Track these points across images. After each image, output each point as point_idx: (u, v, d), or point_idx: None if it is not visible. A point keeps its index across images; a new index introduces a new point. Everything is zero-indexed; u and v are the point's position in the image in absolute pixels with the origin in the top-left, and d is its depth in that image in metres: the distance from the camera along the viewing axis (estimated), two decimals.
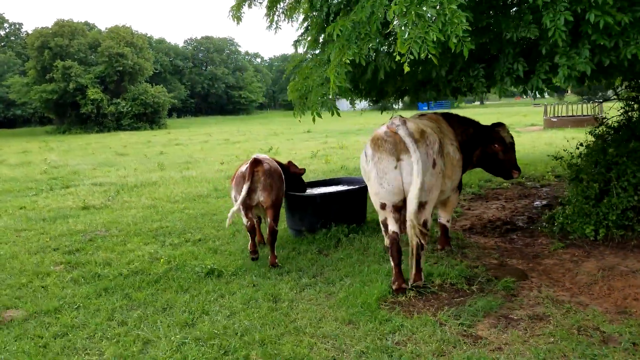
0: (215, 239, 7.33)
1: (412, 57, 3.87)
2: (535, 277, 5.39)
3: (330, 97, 5.21)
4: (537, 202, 8.86)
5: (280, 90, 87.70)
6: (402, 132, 4.70)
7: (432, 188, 4.93)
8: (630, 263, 5.62)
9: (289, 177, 6.95)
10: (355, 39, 4.64)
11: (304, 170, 7.24)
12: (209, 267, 5.86)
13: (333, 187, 8.09)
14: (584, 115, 25.96)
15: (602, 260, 5.73)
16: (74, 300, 5.28)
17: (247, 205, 6.08)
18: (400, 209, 4.97)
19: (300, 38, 8.33)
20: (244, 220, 6.24)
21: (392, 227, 4.97)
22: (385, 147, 4.82)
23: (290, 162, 7.23)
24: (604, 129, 7.68)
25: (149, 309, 5.02)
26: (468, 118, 6.24)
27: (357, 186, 7.60)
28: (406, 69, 3.93)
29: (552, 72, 4.73)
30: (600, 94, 44.74)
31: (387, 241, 5.04)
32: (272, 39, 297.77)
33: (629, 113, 8.09)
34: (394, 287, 5.03)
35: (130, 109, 49.17)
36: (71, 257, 6.75)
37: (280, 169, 6.47)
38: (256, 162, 6.03)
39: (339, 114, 5.39)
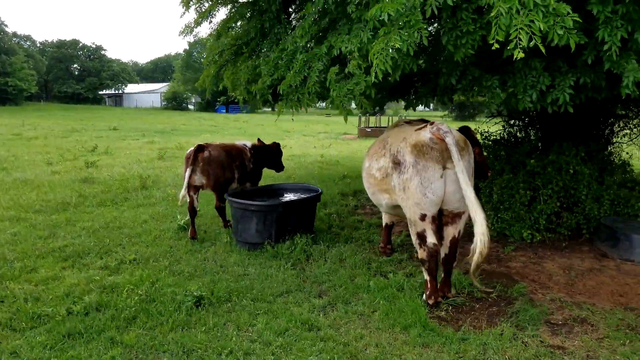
0: (156, 257, 6.09)
1: (522, 45, 3.69)
2: (520, 280, 5.66)
3: (362, 90, 4.71)
4: None
5: (55, 80, 77.92)
6: (449, 139, 4.51)
7: None
8: (579, 263, 6.30)
9: (273, 155, 7.94)
10: (401, 25, 4.26)
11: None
12: (193, 294, 4.82)
13: (273, 195, 7.44)
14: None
15: (555, 262, 6.30)
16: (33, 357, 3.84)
17: (190, 184, 6.89)
18: (436, 219, 4.76)
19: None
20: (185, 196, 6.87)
21: (432, 239, 4.73)
22: (431, 155, 4.56)
23: (273, 142, 8.10)
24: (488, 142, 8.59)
25: (165, 356, 3.91)
26: None
27: (312, 194, 7.12)
28: (520, 55, 3.70)
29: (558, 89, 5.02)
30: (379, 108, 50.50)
31: (423, 254, 4.77)
32: (47, 21, 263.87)
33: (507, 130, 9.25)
34: (430, 301, 4.80)
35: None
36: None
37: (223, 154, 7.04)
38: (199, 148, 6.90)
39: (368, 109, 4.90)
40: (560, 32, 3.71)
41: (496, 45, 3.81)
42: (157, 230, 7.15)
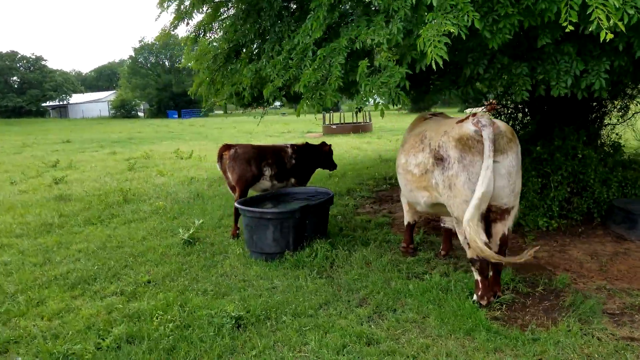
0: (171, 276, 5.63)
1: (605, 25, 3.49)
2: (553, 270, 5.53)
3: (397, 82, 4.41)
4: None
5: None
6: (486, 133, 4.26)
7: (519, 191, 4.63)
8: (602, 247, 6.24)
9: (324, 155, 8.06)
10: (448, 10, 4.02)
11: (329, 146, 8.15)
12: (231, 314, 4.43)
13: (280, 200, 7.07)
14: (358, 123, 28.63)
15: (578, 248, 6.23)
16: None
17: (228, 183, 7.39)
18: (484, 216, 4.54)
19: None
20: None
21: (483, 236, 4.49)
22: (478, 148, 4.33)
23: (322, 142, 8.19)
24: None
25: None
26: None
27: (324, 196, 6.79)
28: (609, 36, 3.50)
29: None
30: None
31: (473, 253, 4.53)
32: None
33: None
34: (482, 302, 4.57)
35: None
36: None
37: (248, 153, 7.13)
38: (225, 147, 7.18)
39: (406, 102, 4.58)
40: (631, 11, 3.54)
41: (570, 27, 3.61)
42: (161, 247, 6.66)
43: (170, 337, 4.17)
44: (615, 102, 9.15)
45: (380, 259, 5.94)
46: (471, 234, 4.22)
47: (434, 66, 3.94)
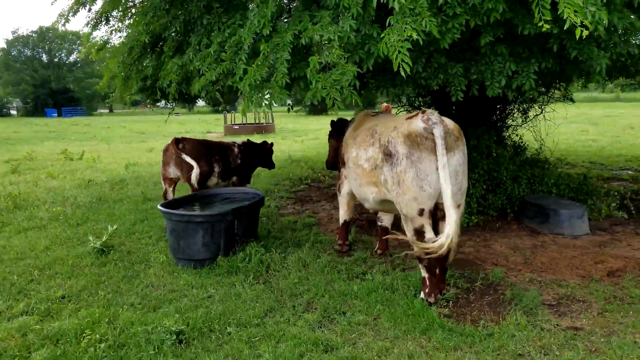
0: (89, 290, 5.02)
1: (580, 22, 3.58)
2: (482, 264, 5.71)
3: (350, 81, 4.28)
4: None
5: None
6: (437, 131, 4.25)
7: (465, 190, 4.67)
8: (520, 241, 6.56)
9: (265, 154, 8.09)
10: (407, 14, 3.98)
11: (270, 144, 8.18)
12: (171, 329, 4.01)
13: (205, 203, 6.64)
14: (261, 124, 28.28)
15: (499, 242, 6.50)
16: None
17: (163, 176, 7.34)
18: (432, 214, 4.52)
19: None
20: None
21: (430, 234, 4.47)
22: (426, 145, 4.29)
23: (264, 141, 8.18)
24: None
25: None
26: None
27: (254, 197, 6.46)
28: (585, 33, 3.58)
29: None
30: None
31: (420, 248, 4.49)
32: None
33: None
34: (430, 299, 4.56)
35: None
36: None
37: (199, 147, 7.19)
38: (175, 141, 7.12)
39: (359, 102, 4.43)
40: (593, 8, 3.66)
41: (546, 27, 3.67)
42: (70, 258, 5.95)
43: (99, 358, 3.67)
44: (516, 105, 9.74)
45: (317, 260, 5.76)
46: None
47: (402, 72, 3.86)
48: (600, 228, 6.98)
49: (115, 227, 6.38)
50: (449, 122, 4.44)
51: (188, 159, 6.90)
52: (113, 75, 7.59)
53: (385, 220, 6.08)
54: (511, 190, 7.54)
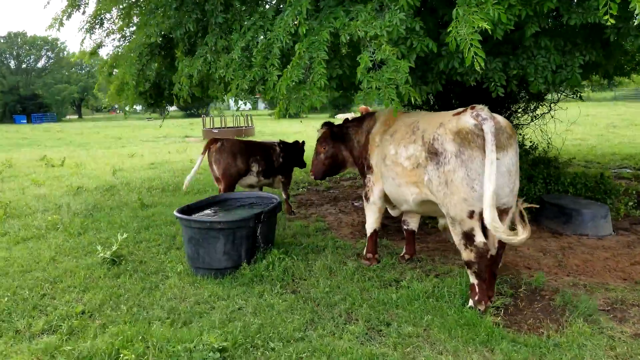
0: (109, 304, 4.63)
1: None
2: (515, 268, 5.50)
3: (405, 79, 4.02)
4: (357, 203, 9.03)
5: None
6: (487, 127, 4.01)
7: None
8: (546, 243, 6.38)
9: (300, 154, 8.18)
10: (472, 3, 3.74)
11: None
12: (213, 346, 3.68)
13: (224, 208, 6.29)
14: (240, 127, 27.83)
15: (525, 245, 6.19)
16: None
17: (214, 177, 7.52)
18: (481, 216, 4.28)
19: None
20: None
21: (481, 237, 4.22)
22: (477, 143, 4.05)
23: (296, 141, 8.27)
24: None
25: None
26: None
27: (272, 202, 6.13)
28: None
29: None
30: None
31: (471, 255, 4.24)
32: None
33: None
34: (480, 307, 4.31)
35: None
36: None
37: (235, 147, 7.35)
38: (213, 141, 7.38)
39: (418, 99, 4.18)
40: None
41: (611, 21, 3.46)
42: (80, 269, 5.53)
43: None
44: (520, 104, 9.62)
45: (344, 267, 5.47)
46: (502, 235, 3.93)
47: (476, 66, 3.61)
48: (621, 228, 6.86)
49: (125, 235, 5.97)
50: (500, 118, 4.20)
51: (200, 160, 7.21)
52: (121, 84, 7.12)
53: (412, 223, 5.82)
54: (527, 190, 7.39)
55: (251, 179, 7.52)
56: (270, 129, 33.66)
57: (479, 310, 4.29)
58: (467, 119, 4.13)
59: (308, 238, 6.69)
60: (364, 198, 5.71)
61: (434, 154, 4.25)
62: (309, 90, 4.32)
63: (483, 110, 4.14)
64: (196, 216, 5.66)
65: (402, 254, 5.86)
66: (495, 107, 8.55)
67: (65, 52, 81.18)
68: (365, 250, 5.77)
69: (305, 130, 27.17)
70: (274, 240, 6.09)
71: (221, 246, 5.26)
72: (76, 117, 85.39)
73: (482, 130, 4.02)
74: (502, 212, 4.31)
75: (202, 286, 5.07)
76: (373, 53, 4.10)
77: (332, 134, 6.09)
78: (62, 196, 9.97)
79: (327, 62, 4.36)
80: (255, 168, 7.45)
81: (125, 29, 9.13)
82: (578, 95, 8.80)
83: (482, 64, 3.65)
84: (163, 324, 4.24)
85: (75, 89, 76.75)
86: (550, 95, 8.72)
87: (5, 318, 4.39)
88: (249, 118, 28.89)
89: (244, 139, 8.09)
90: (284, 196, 8.19)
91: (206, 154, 7.33)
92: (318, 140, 6.16)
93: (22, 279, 5.31)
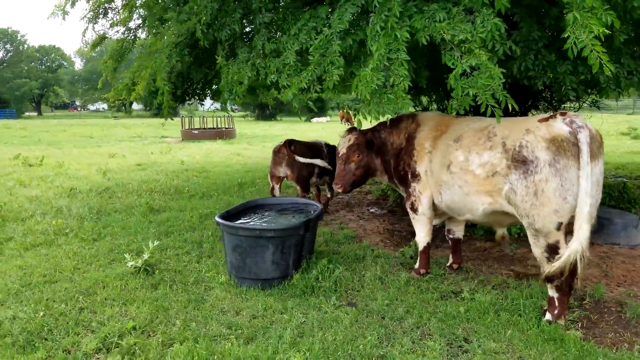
0: (160, 319, 4.25)
1: None
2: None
3: (500, 85, 3.84)
4: (374, 209, 8.84)
5: None
6: (583, 136, 3.87)
7: None
8: None
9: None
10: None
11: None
12: None
13: (260, 213, 5.95)
14: (220, 128, 27.27)
15: None
16: None
17: (272, 174, 7.69)
18: None
19: None
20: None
21: (565, 250, 4.07)
22: (573, 152, 3.89)
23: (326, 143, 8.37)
24: None
25: None
26: None
27: (314, 209, 5.84)
28: None
29: None
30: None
31: (552, 269, 4.08)
32: None
33: None
34: (560, 321, 4.15)
35: None
36: None
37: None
38: (287, 143, 7.54)
39: (515, 106, 3.95)
40: None
41: None
42: (110, 279, 5.11)
43: None
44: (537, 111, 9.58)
45: (395, 278, 5.24)
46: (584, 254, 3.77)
47: (606, 71, 3.43)
48: None
49: (156, 243, 5.57)
50: (591, 127, 4.05)
51: (302, 159, 7.34)
52: (148, 85, 6.62)
53: (458, 231, 5.64)
54: None
55: (313, 179, 7.81)
56: (250, 130, 33.19)
57: (559, 323, 4.13)
58: (560, 125, 3.96)
59: (341, 246, 6.44)
60: (409, 210, 5.43)
61: (520, 162, 4.06)
62: (392, 94, 4.06)
63: (578, 117, 3.99)
64: (239, 223, 5.31)
65: (449, 264, 5.67)
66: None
67: (25, 45, 78.44)
68: (417, 265, 5.50)
69: (290, 133, 26.87)
70: (313, 248, 5.80)
71: (270, 255, 4.95)
72: (35, 114, 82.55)
73: (576, 138, 3.86)
74: None
75: (252, 298, 4.75)
76: (459, 57, 3.89)
77: (368, 142, 5.62)
78: (57, 198, 9.39)
79: (408, 63, 4.12)
80: (317, 169, 7.72)
81: (129, 22, 8.68)
82: (596, 104, 8.82)
83: (613, 69, 3.48)
84: (227, 340, 3.91)
85: (36, 84, 74.28)
86: (569, 103, 8.68)
87: (47, 336, 3.96)
88: (230, 119, 28.35)
89: (304, 140, 8.08)
90: (328, 195, 8.59)
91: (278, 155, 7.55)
92: (349, 148, 5.58)
93: (50, 290, 4.86)
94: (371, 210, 8.79)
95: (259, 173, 13.10)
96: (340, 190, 5.56)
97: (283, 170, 7.52)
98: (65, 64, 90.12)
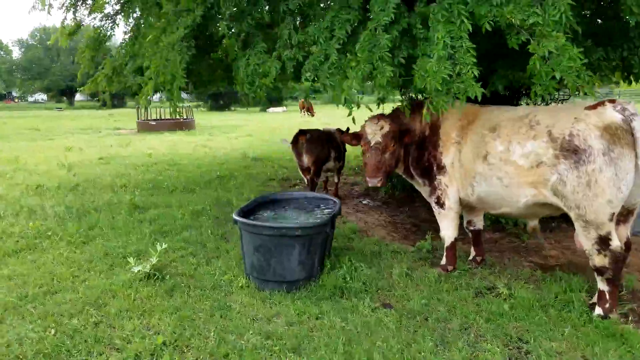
0: (190, 332, 3.83)
1: None
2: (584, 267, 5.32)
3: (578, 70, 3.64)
4: (367, 201, 8.60)
5: None
6: (638, 124, 3.74)
7: None
8: None
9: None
10: None
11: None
12: None
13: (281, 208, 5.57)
14: (179, 119, 26.25)
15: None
16: None
17: (301, 168, 7.99)
18: None
19: None
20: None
21: (617, 241, 3.94)
22: (627, 140, 3.74)
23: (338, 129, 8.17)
24: None
25: None
26: None
27: (330, 204, 5.51)
28: None
29: None
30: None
31: (605, 260, 3.93)
32: None
33: None
34: (612, 316, 4.02)
35: None
36: None
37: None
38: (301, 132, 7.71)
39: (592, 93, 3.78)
40: None
41: None
42: (118, 287, 4.61)
43: None
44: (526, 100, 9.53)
45: (423, 274, 5.01)
46: None
47: None
48: None
49: (164, 246, 5.10)
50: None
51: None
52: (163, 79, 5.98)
53: (478, 222, 5.45)
54: None
55: (330, 164, 8.13)
56: (207, 121, 32.25)
57: (609, 317, 4.00)
58: (613, 113, 3.80)
59: (351, 241, 6.14)
60: (434, 205, 5.16)
61: (571, 151, 3.87)
62: (461, 83, 3.77)
63: (629, 104, 3.85)
64: (262, 221, 4.92)
65: (472, 257, 5.48)
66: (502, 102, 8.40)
67: None
68: (444, 261, 5.24)
69: (250, 124, 26.26)
70: (331, 246, 5.47)
71: (296, 255, 4.59)
72: None
73: (630, 126, 3.71)
74: (629, 213, 4.17)
75: (280, 302, 4.39)
76: (527, 41, 3.65)
77: (403, 130, 5.17)
78: (24, 197, 8.62)
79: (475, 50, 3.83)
80: (332, 154, 8.09)
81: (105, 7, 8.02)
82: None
83: None
84: (269, 352, 3.55)
85: None
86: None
87: (67, 358, 3.47)
88: (189, 110, 27.39)
89: (320, 129, 8.35)
90: (336, 180, 8.81)
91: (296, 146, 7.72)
92: (385, 136, 5.08)
93: (53, 303, 4.32)
94: (364, 202, 8.54)
95: (233, 165, 12.62)
96: (379, 185, 5.11)
97: (306, 160, 7.70)
98: (1, 52, 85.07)
